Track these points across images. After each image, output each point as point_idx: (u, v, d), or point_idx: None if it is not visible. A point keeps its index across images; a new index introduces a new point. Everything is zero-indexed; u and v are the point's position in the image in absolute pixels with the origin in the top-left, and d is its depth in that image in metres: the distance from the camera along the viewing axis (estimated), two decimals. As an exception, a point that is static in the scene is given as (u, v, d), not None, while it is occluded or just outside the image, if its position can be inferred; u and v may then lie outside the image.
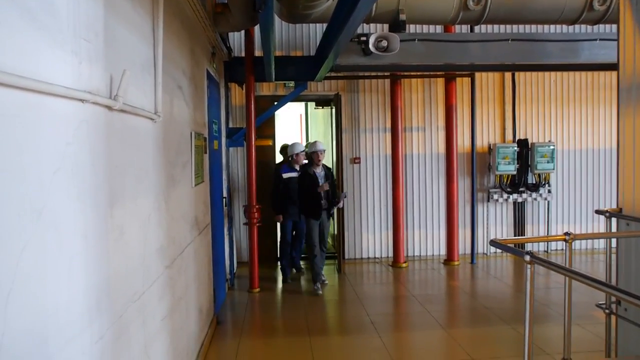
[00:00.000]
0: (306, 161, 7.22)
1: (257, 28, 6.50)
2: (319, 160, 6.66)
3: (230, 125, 7.59)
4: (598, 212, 3.71)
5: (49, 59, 1.64)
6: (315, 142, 6.88)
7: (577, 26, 6.59)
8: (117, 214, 2.27)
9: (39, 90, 1.54)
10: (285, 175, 7.14)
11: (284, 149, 7.78)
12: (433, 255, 8.45)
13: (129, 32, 2.53)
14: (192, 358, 4.10)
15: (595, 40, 6.38)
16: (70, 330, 1.78)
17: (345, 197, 6.71)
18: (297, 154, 7.18)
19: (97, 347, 2.00)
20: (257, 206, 6.67)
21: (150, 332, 2.80)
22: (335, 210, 7.58)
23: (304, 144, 8.49)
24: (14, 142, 1.44)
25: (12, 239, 1.42)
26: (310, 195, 6.55)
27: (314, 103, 9.20)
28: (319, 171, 6.69)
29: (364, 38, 5.99)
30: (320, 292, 6.52)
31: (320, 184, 6.58)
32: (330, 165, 7.32)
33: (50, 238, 1.64)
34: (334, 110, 8.07)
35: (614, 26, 7.64)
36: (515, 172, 8.24)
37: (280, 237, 7.59)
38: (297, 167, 7.15)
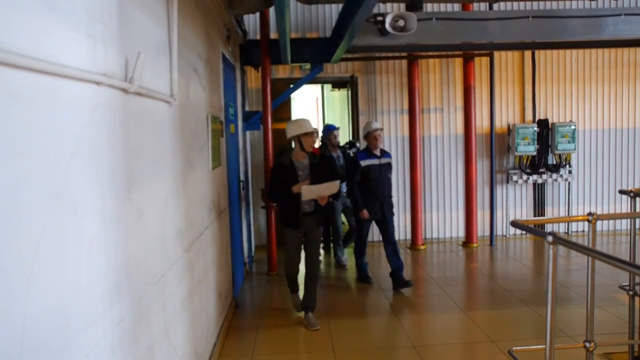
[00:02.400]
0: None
1: (272, 10, 6.44)
2: (311, 146, 4.90)
3: (247, 109, 7.58)
4: (622, 192, 3.64)
5: (63, 42, 1.63)
6: (301, 120, 4.94)
7: (600, 1, 6.40)
8: (135, 197, 2.27)
9: (53, 73, 1.53)
10: (364, 163, 5.91)
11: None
12: (451, 237, 8.39)
13: (144, 14, 2.50)
14: (212, 340, 4.14)
15: (620, 15, 6.18)
16: (92, 313, 1.79)
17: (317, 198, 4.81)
18: (367, 134, 5.99)
19: (118, 329, 2.01)
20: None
21: (170, 315, 2.82)
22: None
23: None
24: (30, 125, 1.43)
25: (31, 222, 1.42)
26: (286, 195, 4.77)
27: (330, 85, 9.14)
28: (302, 161, 4.87)
29: (380, 18, 5.87)
30: (315, 326, 4.84)
31: (300, 179, 4.79)
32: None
33: (69, 221, 1.64)
34: (350, 92, 8.00)
35: None
36: (535, 153, 8.11)
37: (356, 237, 6.38)
38: (377, 152, 5.97)
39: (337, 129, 6.85)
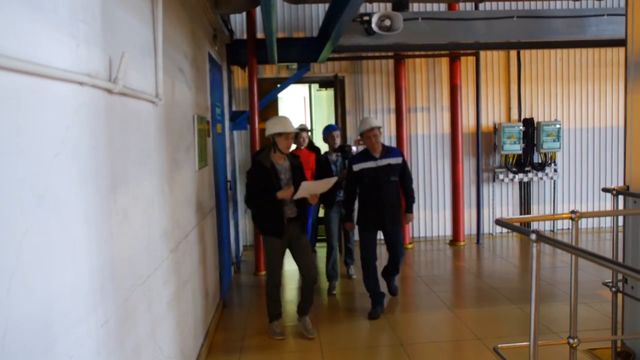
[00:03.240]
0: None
1: (258, 9, 6.43)
2: (287, 148, 4.54)
3: (234, 109, 7.57)
4: (605, 190, 3.68)
5: (45, 42, 1.62)
6: (279, 118, 4.64)
7: (583, 1, 6.48)
8: (120, 198, 2.26)
9: (36, 73, 1.52)
10: (356, 167, 5.06)
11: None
12: (439, 236, 8.44)
13: (128, 13, 2.49)
14: (199, 341, 4.13)
15: (603, 15, 6.27)
16: (76, 314, 1.78)
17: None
18: (363, 133, 5.07)
19: (102, 330, 2.00)
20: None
21: (156, 316, 2.81)
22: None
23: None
24: (13, 126, 1.42)
25: (13, 223, 1.41)
26: (266, 201, 4.41)
27: (317, 85, 9.14)
28: (282, 163, 4.52)
29: (366, 17, 5.91)
30: (312, 334, 4.62)
31: (283, 186, 4.43)
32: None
33: (53, 222, 1.63)
34: (334, 92, 8.01)
35: (622, 0, 7.50)
36: (521, 152, 8.18)
37: (362, 260, 5.15)
38: (376, 154, 5.05)
39: (338, 129, 6.21)
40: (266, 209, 4.45)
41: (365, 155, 5.09)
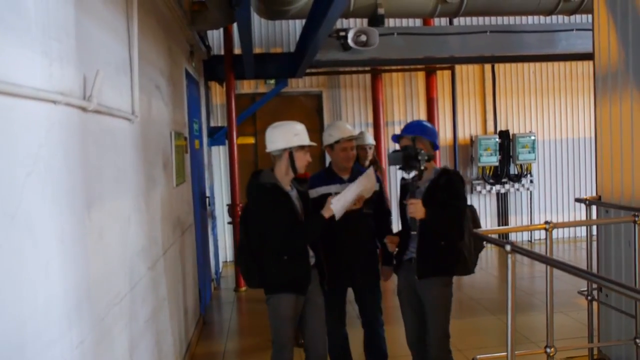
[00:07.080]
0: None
1: (235, 25, 6.46)
2: (304, 168, 3.12)
3: (212, 124, 7.55)
4: (578, 200, 3.76)
5: (16, 60, 1.61)
6: (294, 126, 3.09)
7: (554, 17, 6.68)
8: (95, 216, 2.23)
9: (6, 92, 1.51)
10: (315, 192, 3.46)
11: None
12: (418, 248, 8.46)
13: (102, 31, 2.49)
14: (179, 359, 4.08)
15: (572, 30, 6.46)
16: (49, 335, 1.75)
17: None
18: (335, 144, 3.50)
19: (77, 351, 1.97)
20: (240, 205, 6.63)
21: (134, 335, 2.77)
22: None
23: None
24: (-18, 146, 1.41)
25: (-16, 245, 1.39)
26: (303, 238, 3.09)
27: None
28: (290, 190, 3.12)
29: (343, 33, 5.98)
30: None
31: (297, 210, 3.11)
32: None
33: (25, 242, 1.61)
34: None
35: (590, 16, 7.70)
36: (497, 164, 8.31)
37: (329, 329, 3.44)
38: (345, 174, 3.57)
39: None
40: (293, 252, 3.03)
41: (327, 176, 3.58)
